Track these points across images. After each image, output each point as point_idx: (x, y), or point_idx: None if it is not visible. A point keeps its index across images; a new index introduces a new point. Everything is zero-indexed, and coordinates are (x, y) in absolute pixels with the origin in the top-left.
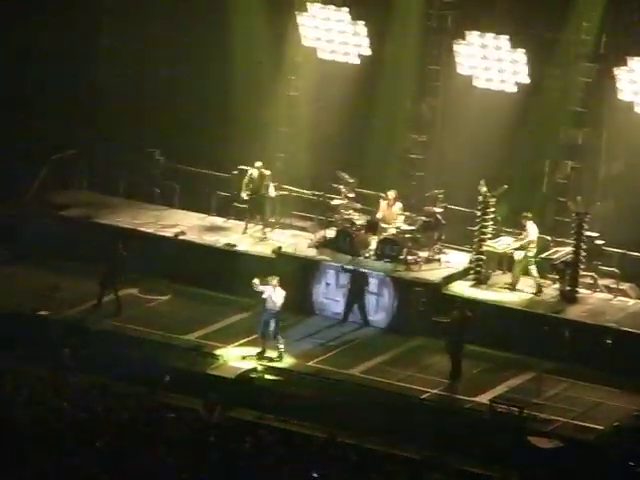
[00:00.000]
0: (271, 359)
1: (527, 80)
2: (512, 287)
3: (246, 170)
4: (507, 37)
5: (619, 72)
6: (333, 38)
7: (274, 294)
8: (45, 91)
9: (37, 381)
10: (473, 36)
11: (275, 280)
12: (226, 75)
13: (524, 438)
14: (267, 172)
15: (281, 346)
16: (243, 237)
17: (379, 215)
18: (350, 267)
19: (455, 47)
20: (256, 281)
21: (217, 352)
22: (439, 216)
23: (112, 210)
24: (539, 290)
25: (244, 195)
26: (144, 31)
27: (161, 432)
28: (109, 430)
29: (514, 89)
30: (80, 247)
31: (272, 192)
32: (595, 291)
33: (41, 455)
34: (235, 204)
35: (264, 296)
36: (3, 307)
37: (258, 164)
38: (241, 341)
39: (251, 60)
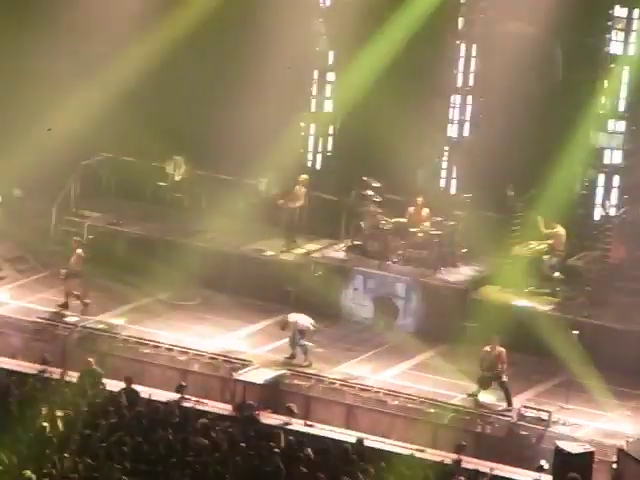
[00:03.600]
0: (300, 364)
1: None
2: (537, 291)
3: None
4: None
5: None
6: None
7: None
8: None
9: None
10: None
11: (285, 320)
12: (255, 79)
13: (553, 443)
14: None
15: (309, 348)
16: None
17: (407, 220)
18: (378, 272)
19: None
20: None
21: (246, 357)
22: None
23: (140, 216)
24: (568, 294)
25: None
26: (173, 35)
27: (191, 436)
28: (138, 434)
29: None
30: (108, 254)
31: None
32: (623, 295)
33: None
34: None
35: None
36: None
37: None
38: (270, 346)
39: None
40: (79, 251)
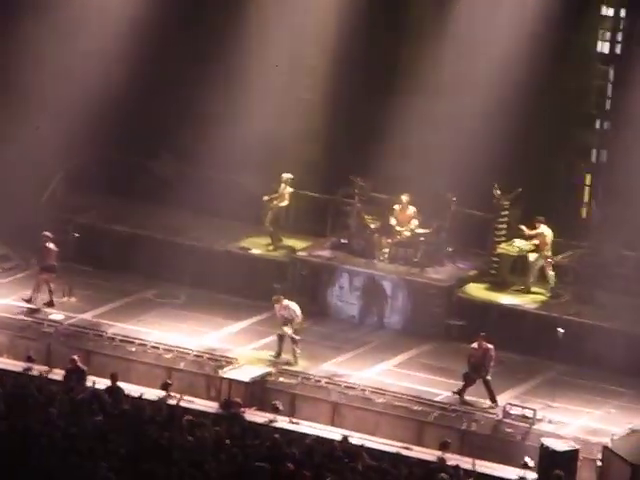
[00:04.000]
0: (287, 362)
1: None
2: (527, 290)
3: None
4: None
5: (633, 75)
6: None
7: (287, 311)
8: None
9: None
10: None
11: (281, 300)
12: (242, 77)
13: (538, 440)
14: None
15: (298, 350)
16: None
17: (393, 218)
18: (364, 270)
19: None
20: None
21: (232, 355)
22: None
23: (126, 214)
24: (555, 293)
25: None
26: (160, 33)
27: (177, 435)
28: (122, 433)
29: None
30: (94, 251)
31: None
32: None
33: (54, 458)
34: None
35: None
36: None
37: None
38: (256, 344)
39: (267, 62)
40: (50, 245)
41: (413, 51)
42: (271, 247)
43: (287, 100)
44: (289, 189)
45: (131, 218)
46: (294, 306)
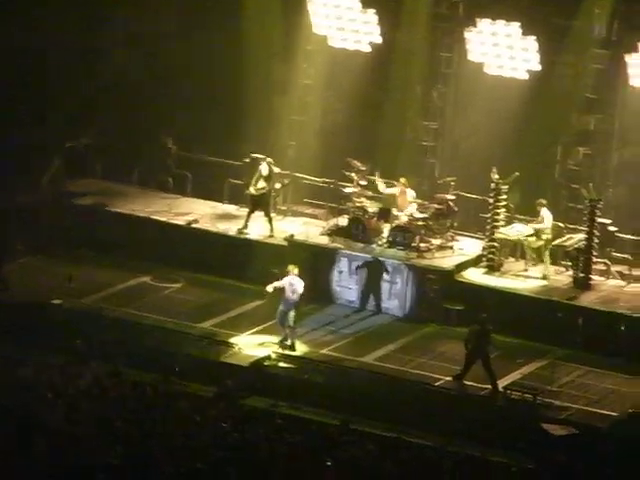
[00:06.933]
0: (285, 347)
1: (538, 67)
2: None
3: (257, 159)
4: (518, 24)
5: (630, 58)
6: (344, 26)
7: (295, 283)
8: (59, 79)
9: (52, 370)
10: (484, 23)
11: (295, 269)
12: (239, 64)
13: (538, 425)
14: (277, 169)
15: (295, 334)
16: (253, 227)
17: (391, 202)
18: (363, 255)
19: (466, 34)
20: (269, 288)
21: (231, 340)
22: (451, 203)
23: (125, 198)
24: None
25: (252, 190)
26: (158, 20)
27: (176, 420)
28: (124, 418)
29: (525, 76)
30: (94, 236)
31: (277, 186)
32: (608, 278)
33: (55, 447)
34: (247, 192)
35: (283, 285)
36: (17, 297)
37: (269, 160)
38: (255, 329)
39: (264, 48)
40: None
41: (412, 39)
42: (270, 233)
43: (285, 84)
44: (275, 169)
45: (130, 202)
46: (299, 285)
